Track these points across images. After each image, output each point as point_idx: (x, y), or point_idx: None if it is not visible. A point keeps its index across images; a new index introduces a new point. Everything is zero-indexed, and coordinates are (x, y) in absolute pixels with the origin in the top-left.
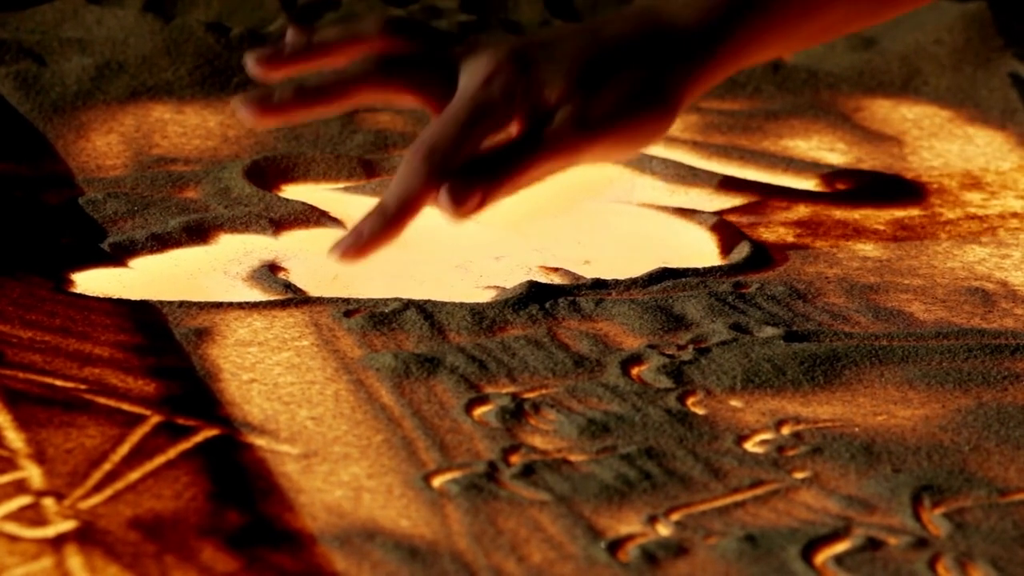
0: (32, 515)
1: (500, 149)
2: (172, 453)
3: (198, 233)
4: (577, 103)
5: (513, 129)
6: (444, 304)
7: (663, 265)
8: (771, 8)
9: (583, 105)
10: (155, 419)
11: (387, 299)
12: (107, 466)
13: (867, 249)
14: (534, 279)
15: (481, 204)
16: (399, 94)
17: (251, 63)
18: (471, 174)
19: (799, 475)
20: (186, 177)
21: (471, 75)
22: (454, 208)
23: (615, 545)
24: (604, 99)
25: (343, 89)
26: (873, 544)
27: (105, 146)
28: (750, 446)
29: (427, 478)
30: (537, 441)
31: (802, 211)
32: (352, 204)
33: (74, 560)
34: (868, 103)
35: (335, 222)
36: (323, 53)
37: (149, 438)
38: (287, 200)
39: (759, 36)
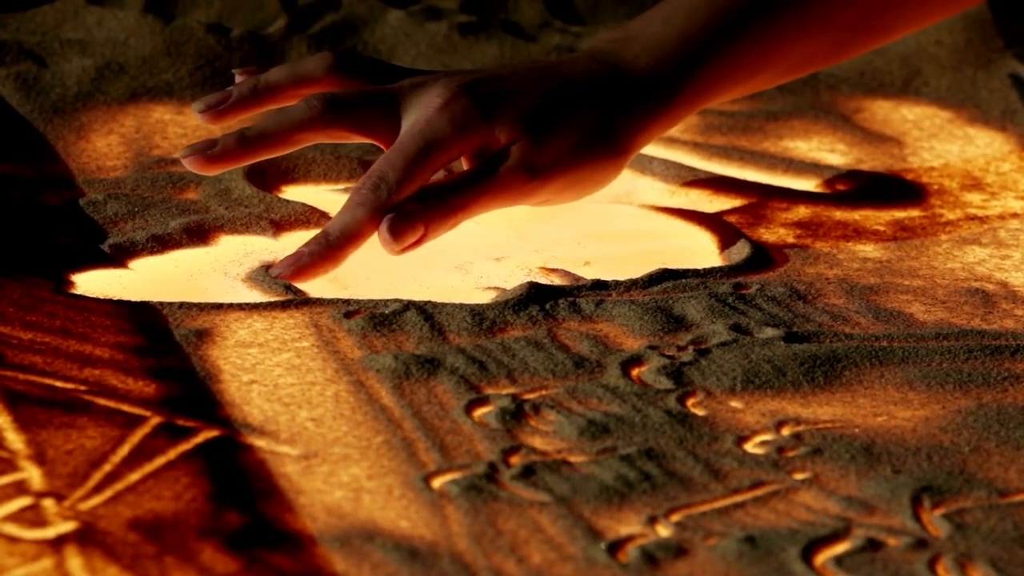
0: (32, 516)
1: (445, 184)
2: (172, 454)
3: (198, 234)
4: (527, 146)
5: (462, 163)
6: (444, 305)
7: (663, 266)
8: (726, 55)
9: (533, 148)
10: (155, 420)
11: (387, 300)
12: (107, 467)
13: (867, 250)
14: (534, 280)
15: (422, 239)
16: (347, 133)
17: (198, 111)
18: (414, 208)
19: (799, 476)
20: (186, 178)
21: (423, 108)
22: (394, 242)
23: (615, 546)
24: (554, 144)
25: (288, 135)
26: (873, 545)
27: (105, 147)
28: (750, 447)
29: (427, 479)
30: (537, 442)
31: (802, 212)
32: None
33: (74, 561)
34: (868, 104)
35: None
36: (270, 97)
37: (149, 439)
38: (287, 201)
39: (714, 83)
